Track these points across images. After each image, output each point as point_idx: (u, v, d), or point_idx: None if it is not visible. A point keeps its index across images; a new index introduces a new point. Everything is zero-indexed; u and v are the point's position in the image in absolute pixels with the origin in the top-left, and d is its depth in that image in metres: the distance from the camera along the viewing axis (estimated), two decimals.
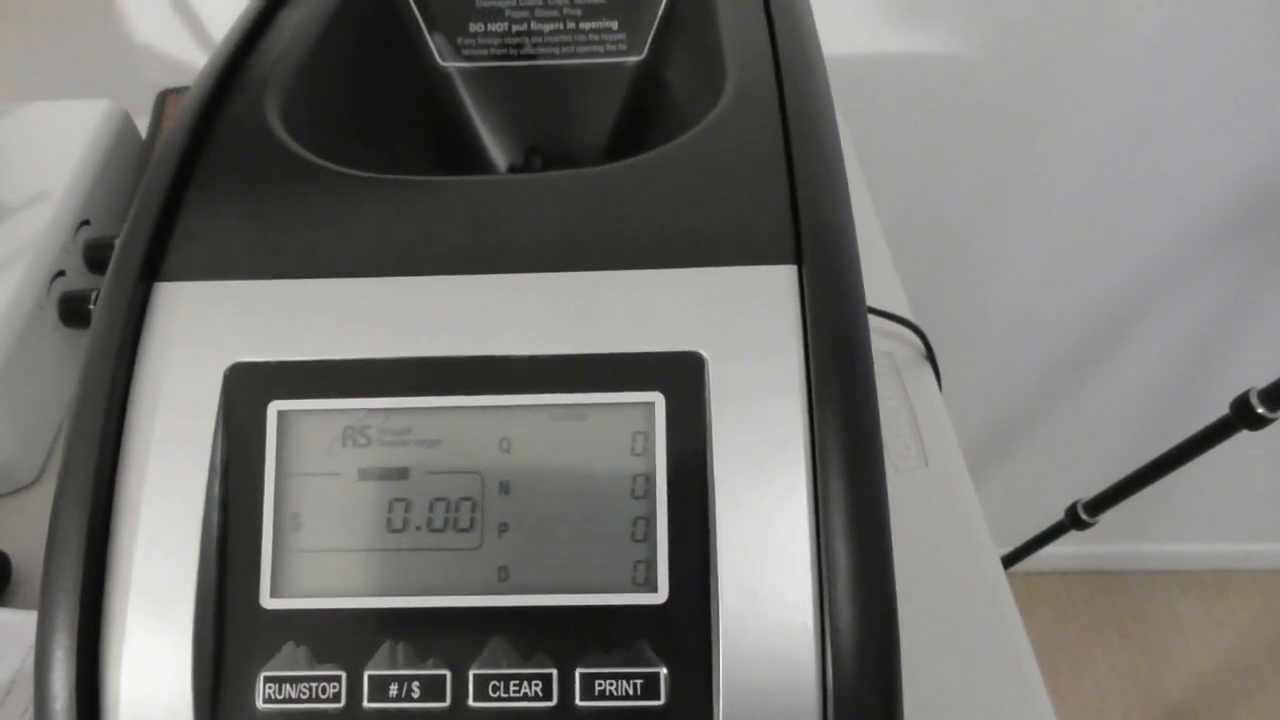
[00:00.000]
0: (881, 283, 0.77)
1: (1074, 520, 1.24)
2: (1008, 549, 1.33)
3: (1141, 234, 1.22)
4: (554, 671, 0.27)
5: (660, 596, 0.28)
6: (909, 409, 0.67)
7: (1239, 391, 1.00)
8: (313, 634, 0.28)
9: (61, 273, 0.61)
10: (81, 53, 0.98)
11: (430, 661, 0.27)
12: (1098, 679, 1.68)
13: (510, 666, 0.27)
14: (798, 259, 0.30)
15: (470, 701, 0.27)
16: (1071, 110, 1.12)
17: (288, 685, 0.27)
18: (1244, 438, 1.47)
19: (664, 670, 0.27)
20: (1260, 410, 0.99)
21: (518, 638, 0.27)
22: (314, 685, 0.27)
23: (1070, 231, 1.21)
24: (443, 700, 0.27)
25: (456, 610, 0.28)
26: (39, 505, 0.59)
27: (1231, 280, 1.23)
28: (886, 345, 0.72)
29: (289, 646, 0.28)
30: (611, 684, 0.27)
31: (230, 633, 0.28)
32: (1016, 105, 1.11)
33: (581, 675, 0.27)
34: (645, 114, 0.46)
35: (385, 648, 0.28)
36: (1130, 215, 1.19)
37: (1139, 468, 1.14)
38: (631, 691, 0.27)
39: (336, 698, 0.27)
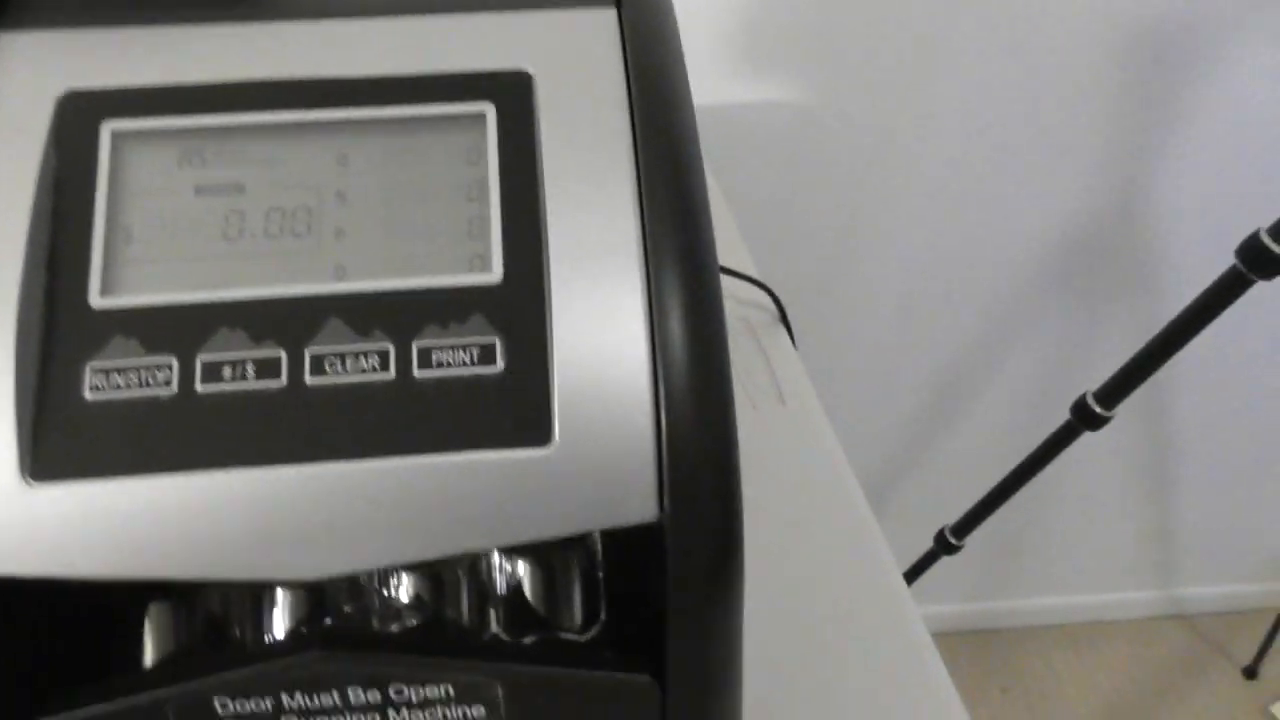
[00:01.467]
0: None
1: (943, 545, 1.27)
2: None
3: (983, 275, 1.30)
4: (391, 346, 0.28)
5: (495, 277, 0.29)
6: (764, 357, 0.70)
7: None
8: (143, 328, 0.28)
9: None
10: None
11: (266, 344, 0.28)
12: None
13: (347, 344, 0.28)
14: (617, 4, 0.32)
15: (307, 378, 0.27)
16: (909, 158, 1.21)
17: (116, 375, 0.27)
18: (1111, 489, 1.55)
19: (500, 339, 0.28)
20: (1097, 410, 1.05)
21: (354, 319, 0.28)
22: (143, 373, 0.27)
23: (920, 272, 1.29)
24: (278, 378, 0.27)
25: (292, 298, 0.28)
26: None
27: (1068, 314, 1.32)
28: (741, 311, 0.75)
29: (118, 340, 0.27)
30: (449, 354, 0.28)
31: (57, 332, 0.27)
32: (859, 150, 1.20)
33: (419, 348, 0.28)
34: None
35: (219, 335, 0.28)
36: (972, 255, 1.28)
37: (997, 483, 1.18)
38: (469, 360, 0.28)
39: (167, 383, 0.27)
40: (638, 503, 0.28)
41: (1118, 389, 1.02)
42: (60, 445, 0.27)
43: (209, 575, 0.27)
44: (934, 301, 1.29)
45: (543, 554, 0.35)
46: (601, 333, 0.28)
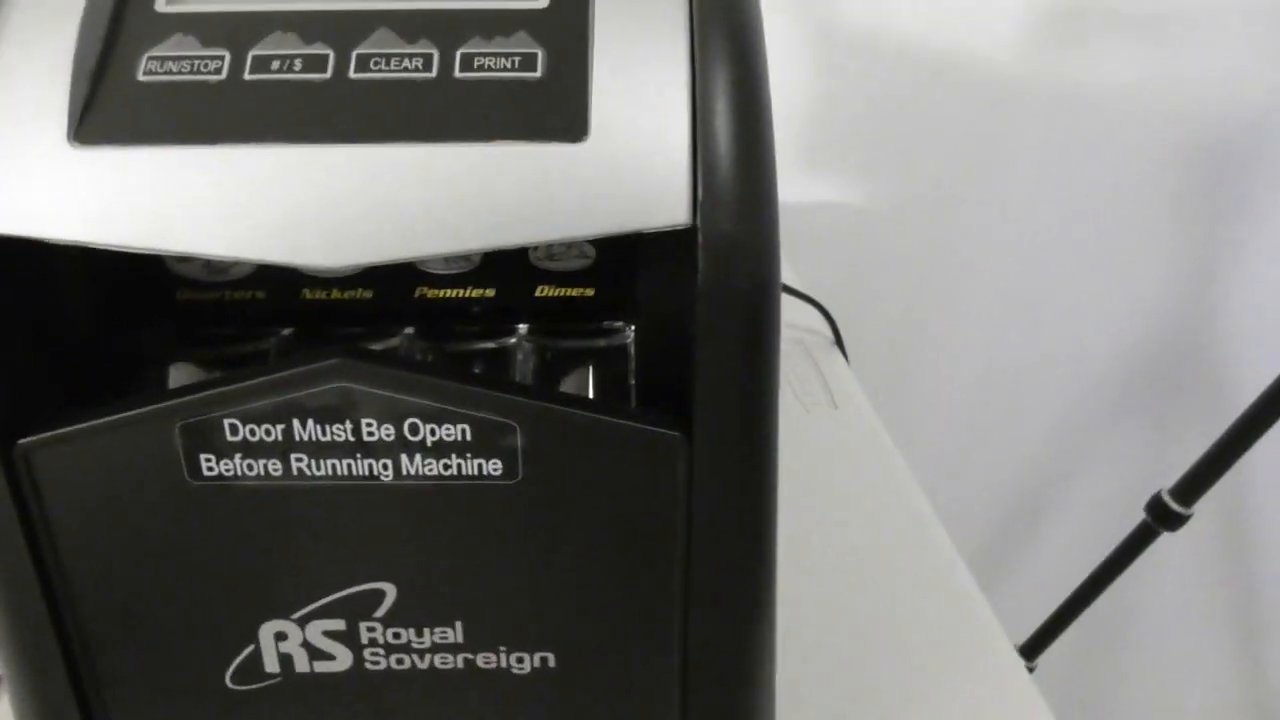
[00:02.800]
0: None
1: None
2: None
3: (1048, 393, 1.28)
4: (435, 50, 0.28)
5: (542, 2, 0.29)
6: (816, 369, 0.69)
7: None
8: (202, 28, 0.29)
9: None
10: None
11: (315, 45, 0.28)
12: None
13: (393, 47, 0.28)
14: None
15: (352, 73, 0.28)
16: (970, 263, 1.21)
17: (170, 62, 0.28)
18: (1204, 640, 1.44)
19: (541, 51, 0.28)
20: (1174, 507, 1.00)
21: (402, 28, 0.29)
22: (196, 61, 0.28)
23: (982, 381, 1.27)
24: (324, 72, 0.28)
25: (344, 10, 0.29)
26: None
27: (1141, 427, 1.27)
28: (794, 334, 0.74)
29: (177, 36, 0.28)
30: (491, 59, 0.28)
31: (121, 29, 0.29)
32: (919, 254, 1.21)
33: (462, 54, 0.28)
34: None
35: (272, 36, 0.29)
36: (1036, 365, 1.25)
37: (1069, 596, 1.12)
38: (509, 65, 0.28)
39: (218, 71, 0.28)
40: (670, 206, 0.27)
41: (1195, 483, 0.97)
42: (106, 115, 0.27)
43: (239, 254, 0.27)
44: (996, 412, 1.26)
45: (575, 338, 0.34)
46: (642, 45, 0.28)
